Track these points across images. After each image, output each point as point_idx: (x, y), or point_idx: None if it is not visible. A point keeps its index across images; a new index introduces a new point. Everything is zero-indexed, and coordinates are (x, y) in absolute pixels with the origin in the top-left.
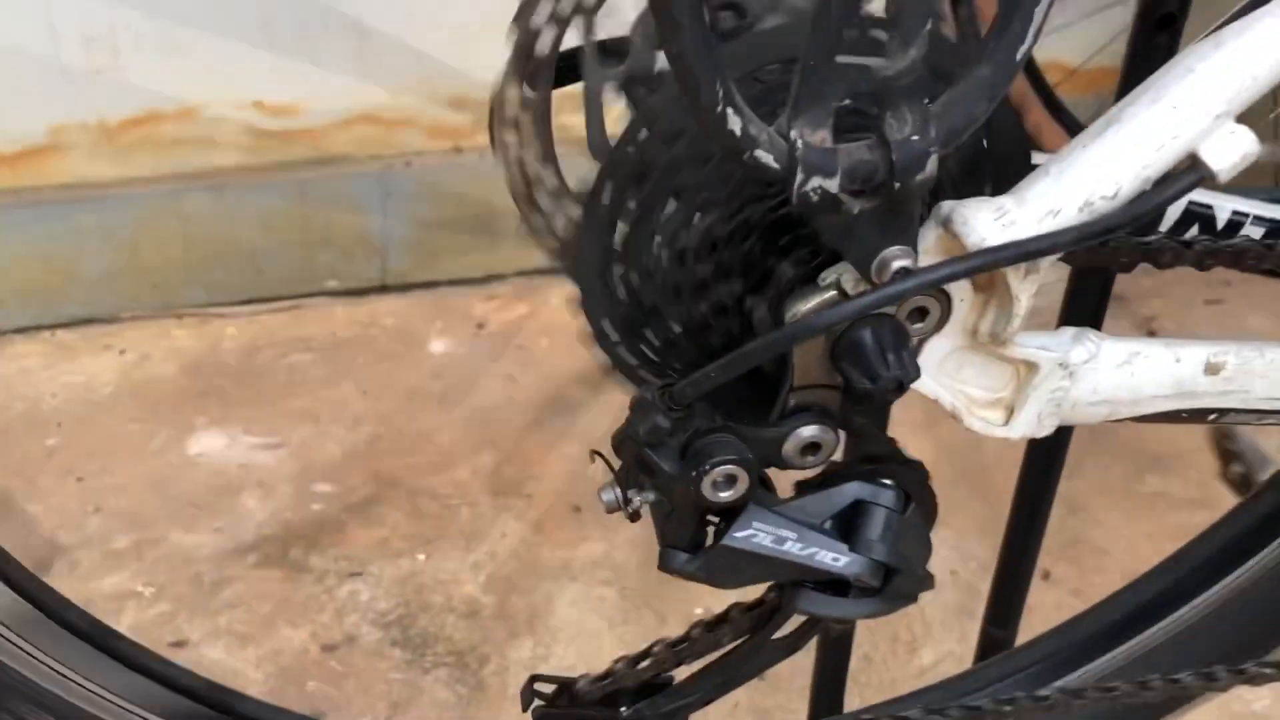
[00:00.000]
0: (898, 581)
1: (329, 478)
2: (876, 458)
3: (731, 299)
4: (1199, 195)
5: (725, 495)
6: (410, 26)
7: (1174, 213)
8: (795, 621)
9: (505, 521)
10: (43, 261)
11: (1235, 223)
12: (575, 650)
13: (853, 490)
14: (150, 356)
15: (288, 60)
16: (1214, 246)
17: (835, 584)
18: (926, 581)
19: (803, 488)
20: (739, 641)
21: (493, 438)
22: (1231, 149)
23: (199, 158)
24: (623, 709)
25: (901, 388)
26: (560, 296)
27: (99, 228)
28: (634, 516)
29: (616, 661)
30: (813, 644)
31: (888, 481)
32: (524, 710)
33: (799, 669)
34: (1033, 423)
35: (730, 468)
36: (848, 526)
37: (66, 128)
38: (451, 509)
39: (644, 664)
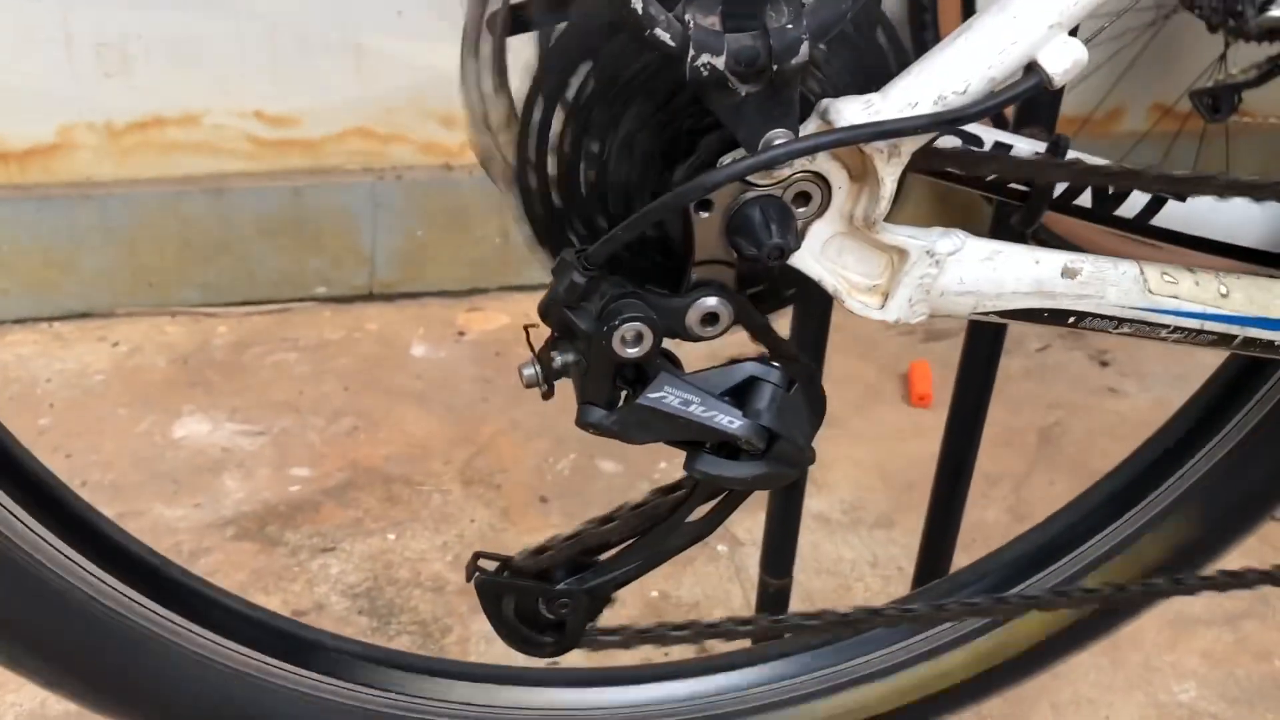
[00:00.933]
0: (779, 447)
1: (307, 463)
2: (774, 352)
3: (651, 185)
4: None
5: (633, 351)
6: (407, 47)
7: None
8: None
9: (474, 508)
10: (43, 255)
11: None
12: None
13: (747, 369)
14: (142, 349)
15: (289, 73)
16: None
17: (727, 449)
18: (807, 453)
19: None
20: (658, 523)
21: (467, 434)
22: (1064, 56)
23: (200, 163)
24: (557, 584)
25: (783, 254)
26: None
27: (100, 226)
28: (548, 394)
29: (550, 539)
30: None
31: (776, 365)
32: (467, 580)
33: None
34: (904, 307)
35: (637, 325)
36: (740, 398)
37: (75, 128)
38: (423, 495)
39: (573, 540)
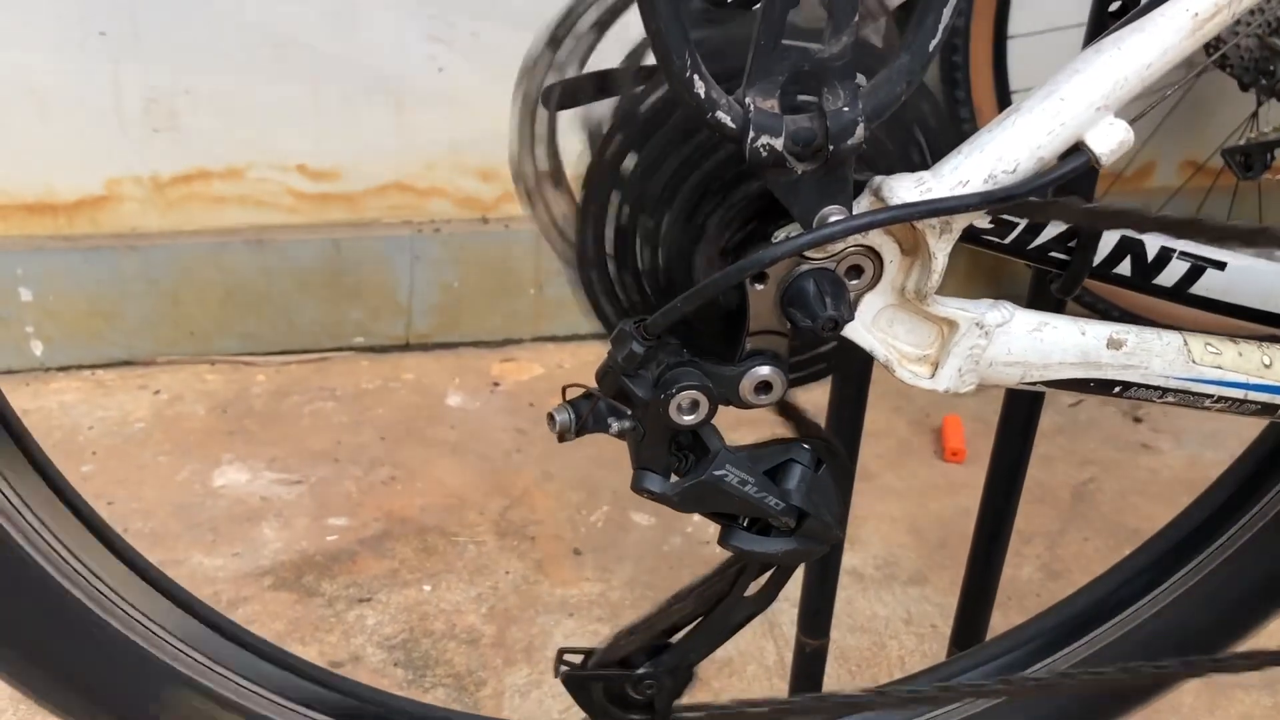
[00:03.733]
0: (808, 525)
1: (344, 513)
2: (803, 433)
3: (712, 261)
4: (1130, 230)
5: (689, 419)
6: (446, 103)
7: (1107, 245)
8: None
9: (509, 560)
10: (88, 304)
11: (1163, 256)
12: None
13: (781, 450)
14: (183, 397)
15: (330, 128)
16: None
17: (759, 525)
18: (834, 530)
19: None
20: (719, 601)
21: (501, 484)
22: (1110, 137)
23: (242, 215)
24: (638, 668)
25: (837, 326)
26: (573, 360)
27: (144, 276)
28: (569, 436)
29: (627, 626)
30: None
31: (807, 446)
32: (555, 676)
33: None
34: (954, 377)
35: (694, 393)
36: (773, 477)
37: (122, 181)
38: (459, 546)
39: (646, 626)
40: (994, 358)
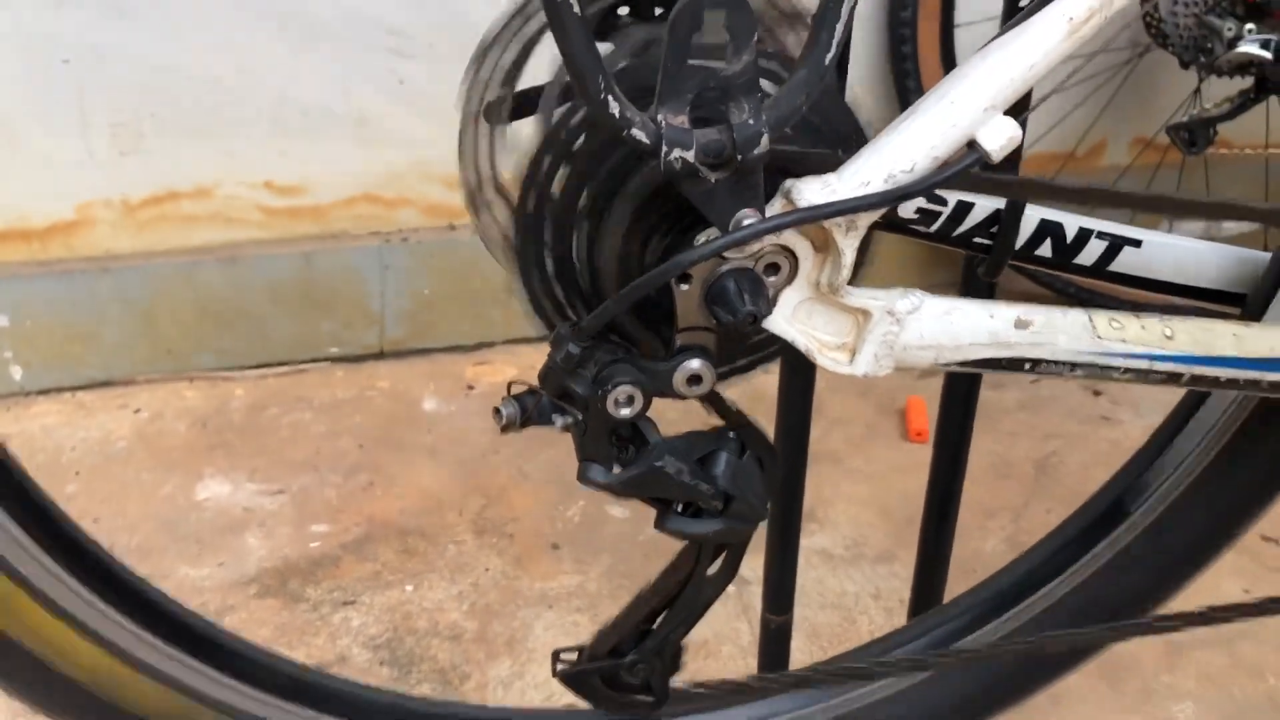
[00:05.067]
0: (735, 506)
1: (326, 519)
2: (730, 422)
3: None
4: (1047, 214)
5: (625, 412)
6: (409, 115)
7: (1028, 228)
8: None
9: (488, 558)
10: (65, 328)
11: (1082, 236)
12: (548, 669)
13: (710, 440)
14: (163, 415)
15: (296, 144)
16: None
17: (691, 508)
18: (759, 509)
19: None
20: (685, 584)
21: (479, 485)
22: (1000, 134)
23: (213, 233)
24: (626, 655)
25: (756, 320)
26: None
27: (119, 297)
28: (514, 429)
29: (611, 620)
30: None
31: (732, 435)
32: (553, 675)
33: None
34: (871, 362)
35: (629, 388)
36: (702, 464)
37: (92, 205)
38: (439, 546)
39: (627, 616)
40: (907, 342)
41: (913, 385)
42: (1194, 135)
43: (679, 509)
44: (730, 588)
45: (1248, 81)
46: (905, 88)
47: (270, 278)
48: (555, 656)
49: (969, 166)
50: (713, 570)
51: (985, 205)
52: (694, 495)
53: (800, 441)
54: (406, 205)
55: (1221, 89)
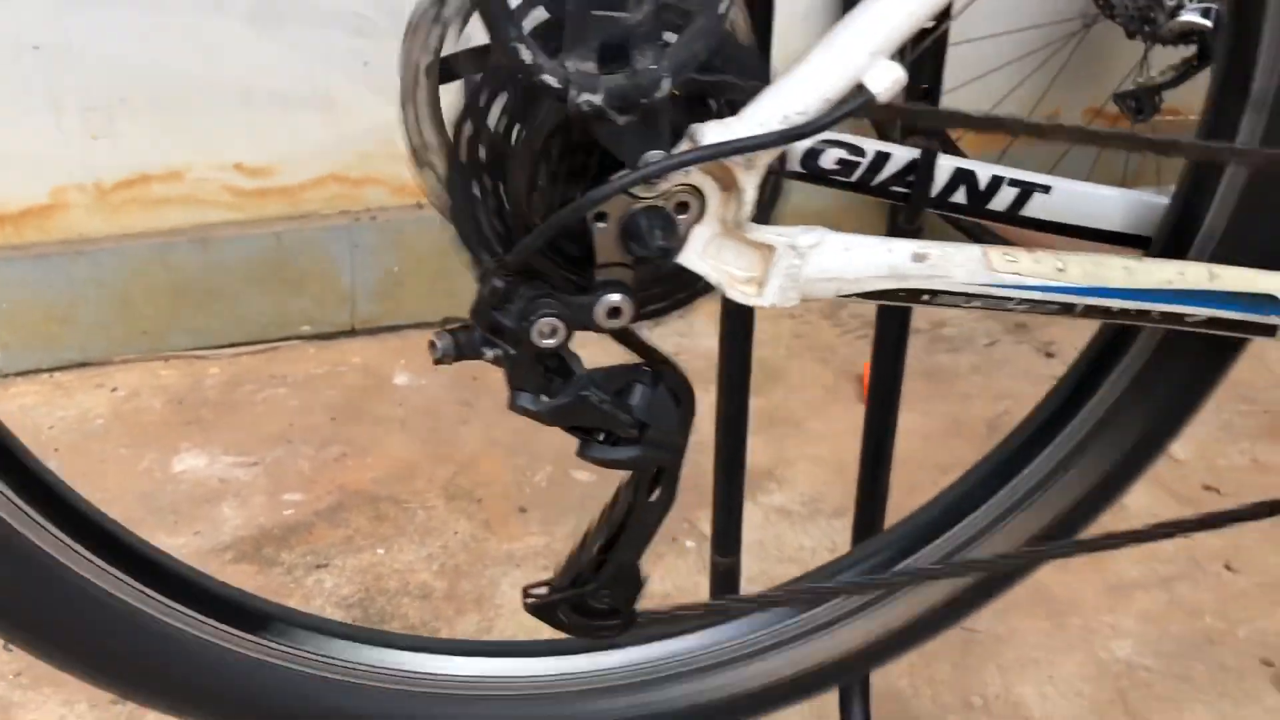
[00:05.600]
0: (650, 434)
1: (299, 489)
2: (646, 358)
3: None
4: (961, 163)
5: (549, 342)
6: (374, 95)
7: (943, 177)
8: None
9: (457, 521)
10: (42, 310)
11: (994, 184)
12: (515, 623)
13: (627, 373)
14: (140, 393)
15: (265, 126)
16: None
17: (610, 437)
18: (673, 435)
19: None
20: (629, 513)
21: (449, 454)
22: (885, 77)
23: (185, 215)
24: (588, 583)
25: (667, 255)
26: None
27: (94, 279)
28: (448, 360)
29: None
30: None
31: (647, 369)
32: (525, 610)
33: None
34: (777, 293)
35: (552, 320)
36: (621, 397)
37: (66, 189)
38: (409, 512)
39: (584, 546)
40: (810, 275)
41: (870, 351)
42: (1140, 103)
43: (600, 438)
44: (690, 542)
45: (1191, 50)
46: None
47: (242, 258)
48: (525, 592)
49: (857, 108)
50: (653, 498)
51: (902, 155)
52: (613, 424)
53: (741, 384)
54: (375, 185)
55: (1167, 57)
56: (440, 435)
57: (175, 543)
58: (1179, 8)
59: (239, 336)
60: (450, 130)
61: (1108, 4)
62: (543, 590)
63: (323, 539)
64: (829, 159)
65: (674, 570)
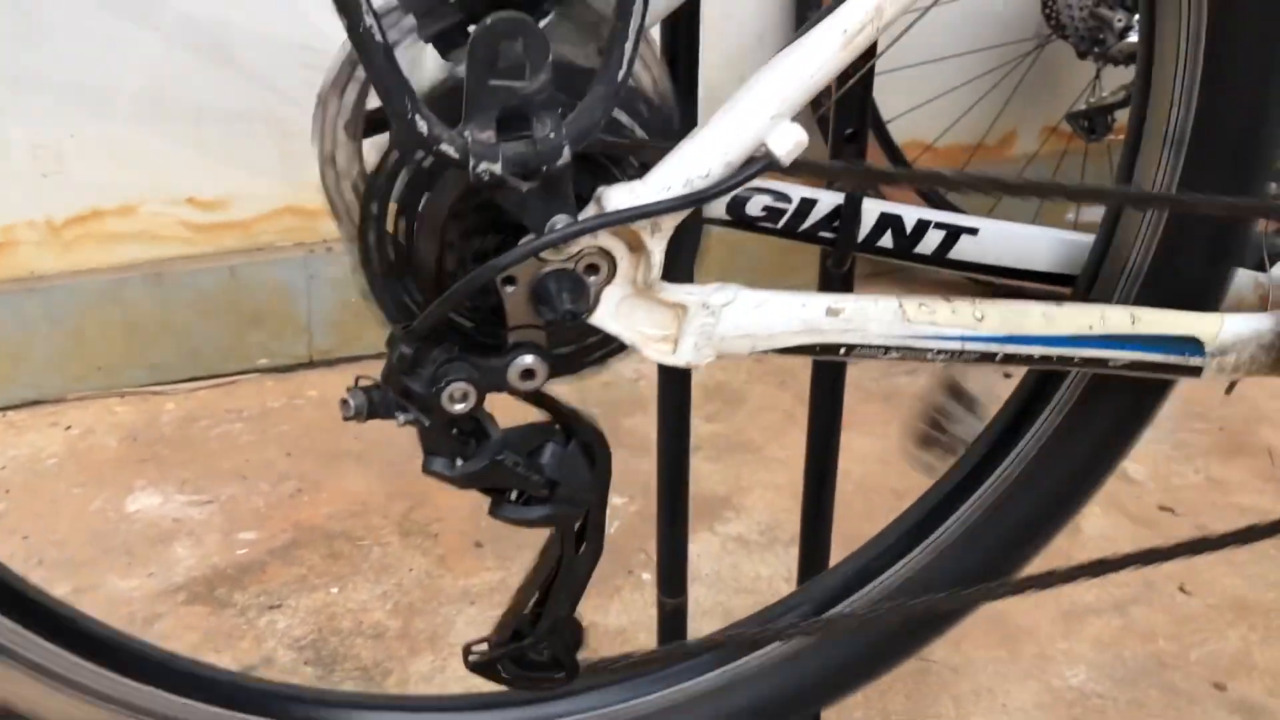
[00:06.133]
0: (560, 492)
1: (253, 527)
2: (561, 416)
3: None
4: (887, 207)
5: (459, 407)
6: None
7: (870, 221)
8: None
9: (413, 557)
10: None
11: (920, 227)
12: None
13: (540, 432)
14: (94, 430)
15: (218, 160)
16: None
17: (522, 495)
18: (584, 494)
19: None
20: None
21: (405, 488)
22: (787, 139)
23: (138, 250)
24: (526, 637)
25: (576, 318)
26: None
27: (47, 316)
28: (361, 419)
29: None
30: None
31: (558, 427)
32: (467, 669)
33: None
34: (691, 352)
35: (463, 385)
36: (532, 457)
37: (16, 226)
38: (363, 549)
39: (519, 600)
40: (724, 333)
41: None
42: (1093, 123)
43: (511, 497)
44: (646, 575)
45: None
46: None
47: (197, 292)
48: (466, 651)
49: (760, 170)
50: (581, 550)
51: (828, 200)
52: (525, 485)
53: (680, 428)
54: (329, 216)
55: (1120, 77)
56: (396, 469)
57: (128, 585)
58: (1128, 29)
59: (195, 371)
60: (359, 197)
61: (1059, 24)
62: (483, 647)
63: (276, 578)
64: (755, 206)
65: (630, 605)
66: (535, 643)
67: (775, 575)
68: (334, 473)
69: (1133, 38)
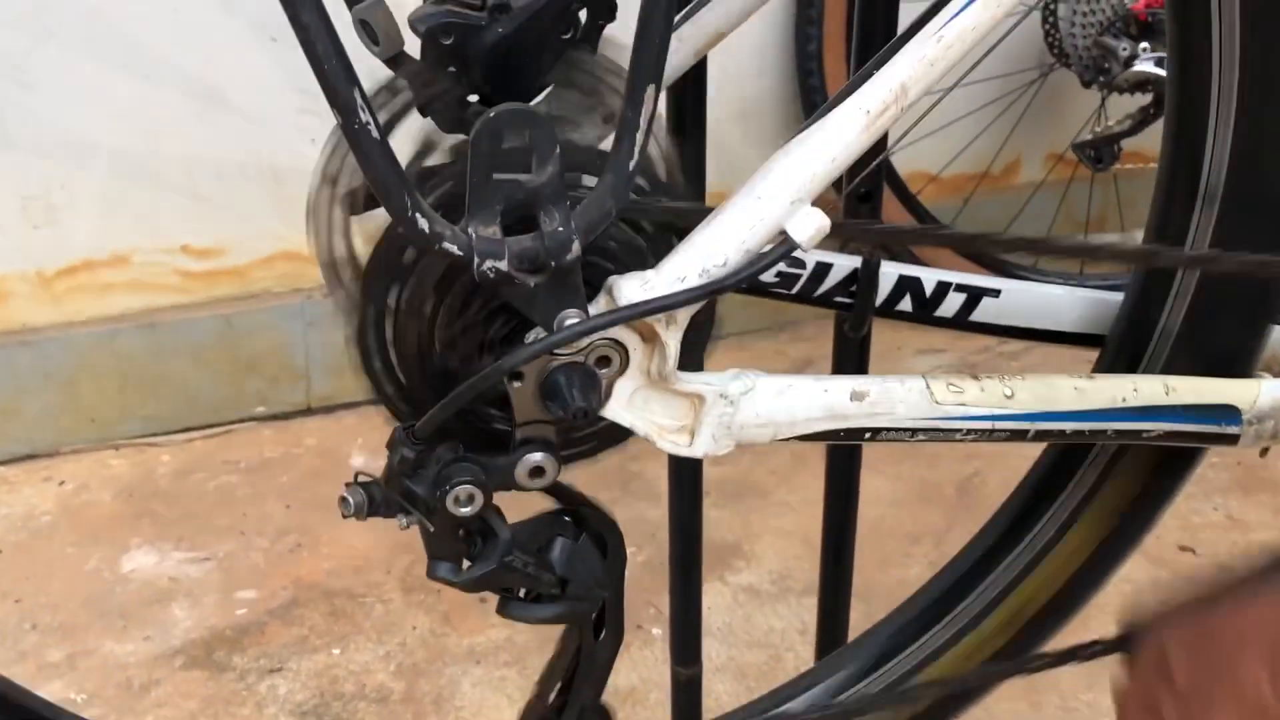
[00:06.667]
0: (571, 589)
1: (252, 585)
2: (571, 505)
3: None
4: (906, 270)
5: (466, 510)
6: None
7: (888, 284)
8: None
9: (416, 615)
10: None
11: (940, 291)
12: None
13: (547, 526)
14: (88, 485)
15: (211, 207)
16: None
17: (531, 594)
18: (595, 590)
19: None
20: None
21: (406, 541)
22: (808, 225)
23: (132, 300)
24: None
25: (587, 414)
26: None
27: (39, 369)
28: (361, 517)
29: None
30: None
31: (568, 519)
32: None
33: None
34: (709, 443)
35: (469, 488)
36: (541, 553)
37: (7, 279)
38: (366, 607)
39: (542, 690)
40: (744, 422)
41: None
42: (1099, 152)
43: (520, 594)
44: (656, 630)
45: (1148, 97)
46: (810, 87)
47: (192, 341)
48: None
49: (780, 258)
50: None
51: (844, 264)
52: (535, 585)
53: (693, 496)
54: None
55: (1125, 105)
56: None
57: (124, 649)
58: (1133, 57)
59: (191, 421)
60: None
61: (1063, 53)
62: None
63: (276, 640)
64: (768, 273)
65: (640, 662)
66: None
67: (789, 628)
68: (334, 526)
69: (1138, 66)
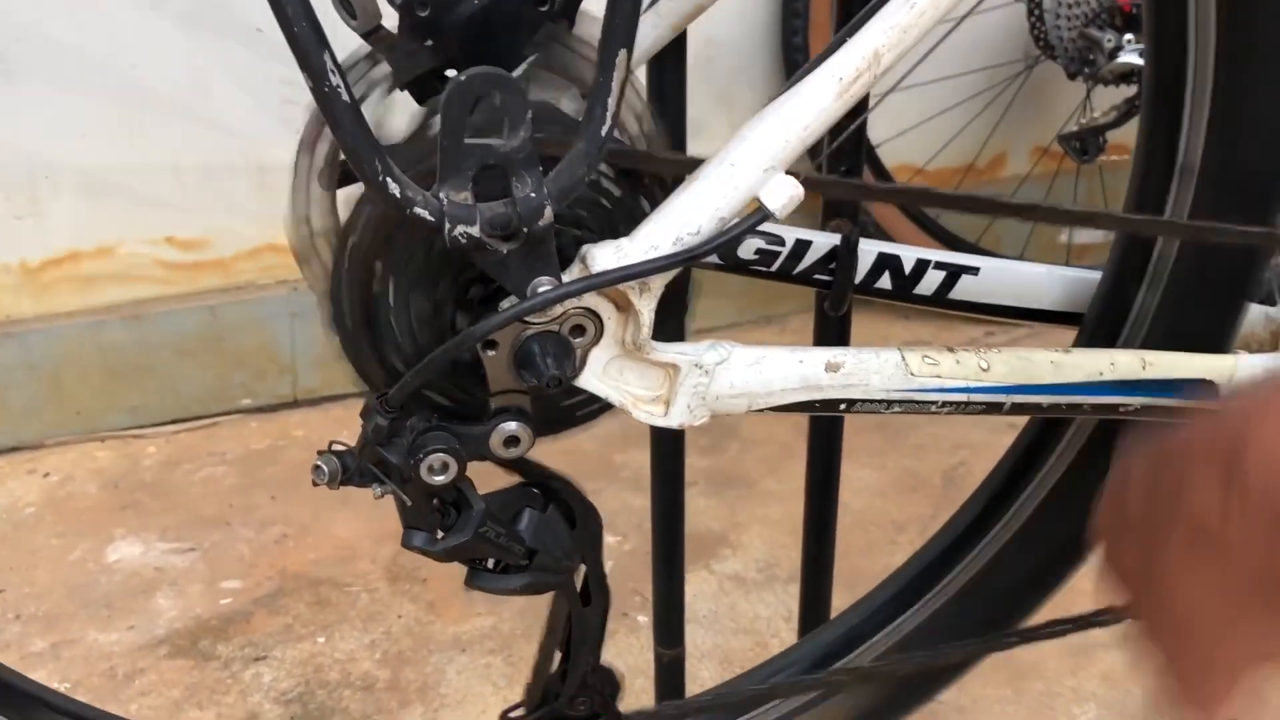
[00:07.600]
0: (539, 560)
1: (238, 575)
2: (532, 478)
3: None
4: (885, 248)
5: (440, 479)
6: None
7: (867, 262)
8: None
9: (401, 604)
10: None
11: (919, 268)
12: (462, 713)
13: (516, 498)
14: (73, 477)
15: (196, 198)
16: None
17: (499, 564)
18: (563, 560)
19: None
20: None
21: (393, 531)
22: (781, 193)
23: (117, 291)
24: (558, 696)
25: (561, 383)
26: None
27: (23, 362)
28: (334, 485)
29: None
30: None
31: (536, 490)
32: None
33: None
34: (685, 413)
35: (442, 456)
36: (509, 524)
37: None
38: (351, 596)
39: (543, 660)
40: (718, 392)
41: None
42: (1085, 144)
43: (489, 565)
44: (642, 618)
45: (1133, 89)
46: (793, 45)
47: (177, 333)
48: (503, 717)
49: (753, 225)
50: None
51: (823, 242)
52: (505, 555)
53: (675, 478)
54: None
55: (1110, 97)
56: (384, 511)
57: (108, 639)
58: (1118, 49)
59: (177, 413)
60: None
61: (1048, 46)
62: (519, 713)
63: (261, 628)
64: (748, 249)
65: (626, 649)
66: (572, 699)
67: (774, 615)
68: (320, 517)
69: (1123, 58)
